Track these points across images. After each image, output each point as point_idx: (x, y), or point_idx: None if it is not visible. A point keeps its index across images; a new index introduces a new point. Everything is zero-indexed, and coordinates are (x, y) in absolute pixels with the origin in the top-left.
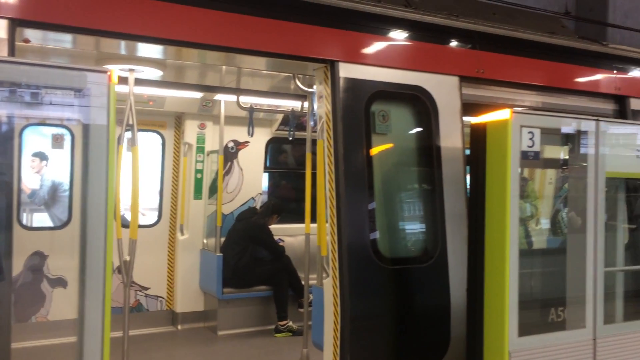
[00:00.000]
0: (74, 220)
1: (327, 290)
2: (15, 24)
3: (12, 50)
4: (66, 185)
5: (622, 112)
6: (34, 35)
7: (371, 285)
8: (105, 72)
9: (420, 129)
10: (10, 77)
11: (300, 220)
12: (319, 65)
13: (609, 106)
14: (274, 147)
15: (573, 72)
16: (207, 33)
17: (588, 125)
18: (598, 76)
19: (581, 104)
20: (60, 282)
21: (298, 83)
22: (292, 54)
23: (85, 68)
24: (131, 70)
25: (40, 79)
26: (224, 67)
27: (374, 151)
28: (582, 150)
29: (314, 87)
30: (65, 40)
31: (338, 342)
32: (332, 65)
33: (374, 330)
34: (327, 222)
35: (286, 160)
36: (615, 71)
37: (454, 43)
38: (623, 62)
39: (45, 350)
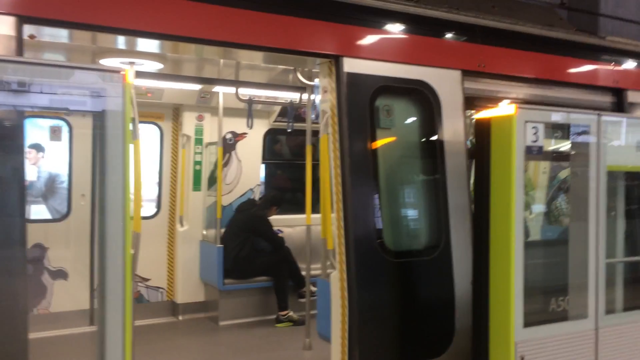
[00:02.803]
0: (73, 213)
1: (334, 283)
2: (22, 20)
3: (20, 47)
4: (64, 177)
5: (620, 105)
6: (39, 32)
7: (377, 278)
8: (119, 71)
9: (423, 123)
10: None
11: (299, 211)
12: (323, 60)
13: (607, 99)
14: (272, 138)
15: (572, 65)
16: (210, 28)
17: (590, 119)
18: (596, 69)
19: (579, 96)
20: (60, 274)
21: (299, 76)
22: (296, 49)
23: (102, 68)
24: (131, 63)
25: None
26: (220, 59)
27: (379, 145)
28: (584, 144)
29: (315, 80)
30: (68, 35)
31: (346, 334)
32: (336, 60)
33: (381, 322)
34: (333, 215)
35: (284, 151)
36: (613, 64)
37: (456, 37)
38: (621, 54)
39: (49, 341)
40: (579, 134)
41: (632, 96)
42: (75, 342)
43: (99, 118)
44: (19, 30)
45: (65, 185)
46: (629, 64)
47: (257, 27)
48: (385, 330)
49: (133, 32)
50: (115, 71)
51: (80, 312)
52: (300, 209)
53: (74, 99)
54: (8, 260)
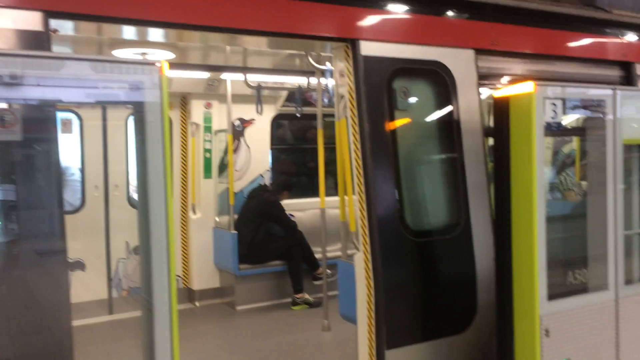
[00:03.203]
0: (87, 204)
1: (358, 264)
2: (48, 15)
3: (48, 42)
4: (76, 170)
5: (629, 78)
6: (61, 25)
7: (401, 257)
8: (155, 64)
9: (440, 103)
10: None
11: (305, 195)
12: (338, 43)
13: (615, 72)
14: (279, 123)
15: (581, 40)
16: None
17: (606, 94)
18: (605, 43)
19: (590, 71)
20: (78, 265)
21: (311, 61)
22: (311, 34)
23: (139, 61)
24: (143, 54)
25: (100, 72)
26: (228, 46)
27: (397, 126)
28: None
29: (327, 64)
30: (86, 28)
31: (372, 314)
32: (352, 44)
33: (406, 301)
34: (353, 197)
35: (287, 136)
36: (621, 38)
37: (468, 16)
38: (628, 28)
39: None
40: (595, 108)
41: None
42: (100, 331)
43: (137, 109)
44: (46, 25)
45: (77, 177)
46: (638, 38)
47: (272, 13)
48: (409, 308)
49: (149, 23)
50: (152, 63)
51: (98, 302)
52: (306, 193)
53: (112, 92)
54: (51, 251)
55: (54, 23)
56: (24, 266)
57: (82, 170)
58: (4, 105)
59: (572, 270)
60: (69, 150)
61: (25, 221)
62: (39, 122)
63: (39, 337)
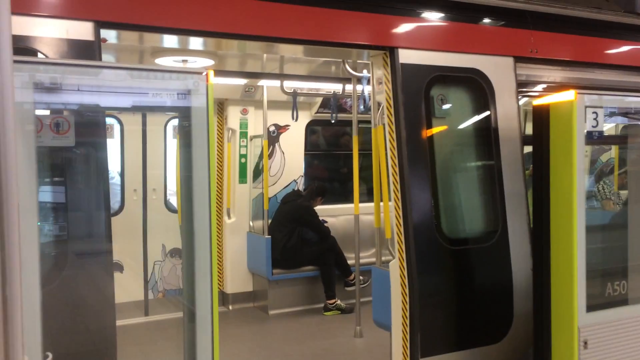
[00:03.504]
0: (126, 207)
1: (393, 271)
2: (99, 25)
3: (99, 51)
4: (116, 174)
5: None
6: (110, 35)
7: (436, 265)
8: (202, 72)
9: (477, 111)
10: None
11: (338, 201)
12: (377, 51)
13: None
14: (313, 129)
15: (621, 47)
16: (277, 26)
17: None
18: None
19: (629, 78)
20: (117, 267)
21: (347, 68)
22: (350, 42)
23: (187, 70)
24: (184, 61)
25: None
26: (265, 54)
27: (435, 134)
28: None
29: (364, 71)
30: (129, 37)
31: (407, 321)
32: (391, 52)
33: (441, 309)
34: (390, 204)
35: (320, 142)
36: None
37: (507, 23)
38: None
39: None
40: (635, 116)
41: None
42: (136, 331)
43: (184, 115)
44: (97, 35)
45: (117, 181)
46: None
47: (310, 22)
48: (444, 316)
49: (191, 32)
50: (199, 72)
51: (134, 303)
52: (339, 199)
53: (160, 99)
54: (98, 251)
55: (103, 33)
56: (72, 266)
57: (122, 174)
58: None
59: (611, 281)
60: (110, 155)
61: (74, 222)
62: (90, 127)
63: (87, 336)
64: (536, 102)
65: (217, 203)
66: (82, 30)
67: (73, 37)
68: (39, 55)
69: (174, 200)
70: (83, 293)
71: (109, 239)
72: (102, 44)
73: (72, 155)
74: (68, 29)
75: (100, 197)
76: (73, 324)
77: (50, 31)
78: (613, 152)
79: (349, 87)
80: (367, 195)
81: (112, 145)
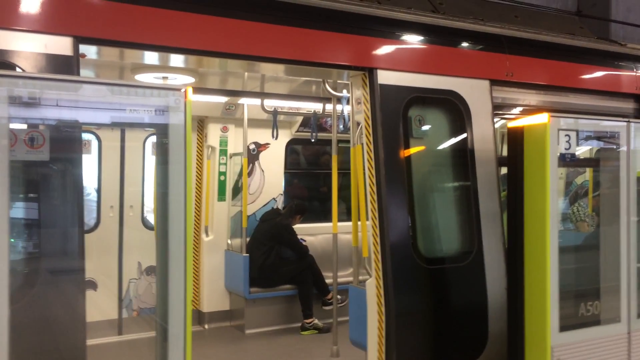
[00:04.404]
0: (102, 224)
1: (370, 289)
2: (78, 41)
3: (77, 66)
4: (92, 190)
5: None
6: (90, 51)
7: (412, 284)
8: (180, 89)
9: (454, 132)
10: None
11: (317, 219)
12: (356, 72)
13: (629, 105)
14: (293, 148)
15: (595, 73)
16: (251, 44)
17: (620, 126)
18: (619, 76)
19: (603, 103)
20: (90, 285)
21: (328, 88)
22: (330, 62)
23: (165, 87)
24: (164, 77)
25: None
26: (246, 72)
27: (412, 154)
28: (613, 150)
29: (343, 91)
30: (109, 53)
31: (383, 340)
32: (370, 73)
33: (416, 327)
34: (367, 223)
35: (301, 161)
36: (635, 70)
37: (484, 47)
38: None
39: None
40: (608, 140)
41: None
42: (109, 351)
43: (161, 132)
44: (76, 50)
45: (93, 197)
46: None
47: (291, 41)
48: (420, 335)
49: (171, 49)
50: (178, 89)
51: (108, 322)
52: (318, 218)
53: (138, 115)
54: (70, 269)
55: (82, 48)
56: (43, 283)
57: (99, 191)
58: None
59: (584, 301)
60: (86, 171)
61: (47, 239)
62: (66, 142)
63: (56, 356)
64: (511, 124)
65: (195, 220)
66: (61, 45)
67: (52, 51)
68: (17, 69)
69: (151, 218)
70: (53, 311)
71: (82, 256)
72: (81, 59)
73: (46, 171)
74: (47, 44)
75: (74, 214)
76: (41, 343)
77: (28, 45)
78: (588, 175)
79: (329, 107)
80: (347, 214)
81: (90, 162)
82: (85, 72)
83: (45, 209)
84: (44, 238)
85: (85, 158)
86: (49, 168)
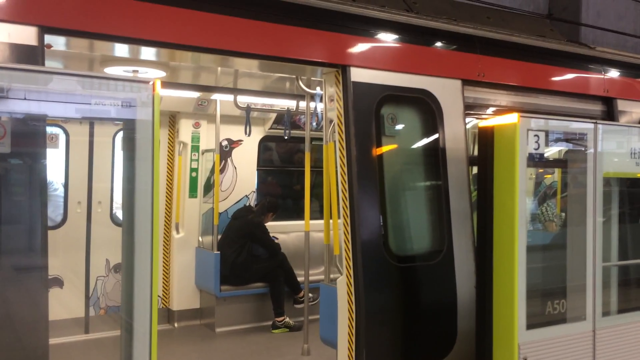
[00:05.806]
0: (69, 220)
1: (340, 287)
2: (43, 31)
3: (42, 57)
4: (59, 185)
5: (610, 113)
6: (53, 41)
7: (383, 282)
8: (148, 82)
9: (426, 131)
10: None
11: (290, 217)
12: (329, 69)
13: (597, 107)
14: (266, 145)
15: (565, 75)
16: (225, 38)
17: (587, 127)
18: (587, 78)
19: (572, 105)
20: (56, 282)
21: (301, 84)
22: (303, 59)
23: (132, 79)
24: (135, 71)
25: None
26: (219, 67)
27: (384, 152)
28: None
29: (317, 88)
30: (78, 45)
31: (353, 338)
32: (343, 70)
33: (387, 325)
34: (339, 221)
35: (274, 158)
36: (603, 74)
37: (456, 48)
38: (611, 65)
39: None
40: (576, 141)
41: (622, 105)
42: (75, 350)
43: (128, 126)
44: (41, 40)
45: (60, 192)
46: (619, 74)
47: (264, 36)
48: (390, 333)
49: (142, 42)
50: (145, 82)
51: (74, 320)
52: (291, 216)
53: (104, 108)
54: (31, 267)
55: (48, 38)
56: (3, 281)
57: (66, 186)
58: None
59: (551, 300)
60: (53, 165)
61: (7, 235)
62: (28, 136)
63: (15, 354)
64: (482, 124)
65: (165, 217)
66: (25, 34)
67: (15, 41)
68: None
69: (120, 214)
70: (14, 309)
71: (45, 253)
72: (46, 50)
73: (7, 165)
74: (10, 33)
75: (36, 209)
76: (1, 341)
77: None
78: (556, 175)
79: (302, 104)
80: (320, 212)
81: (57, 156)
82: (53, 64)
83: (5, 204)
84: (3, 234)
85: (52, 152)
86: (9, 162)
